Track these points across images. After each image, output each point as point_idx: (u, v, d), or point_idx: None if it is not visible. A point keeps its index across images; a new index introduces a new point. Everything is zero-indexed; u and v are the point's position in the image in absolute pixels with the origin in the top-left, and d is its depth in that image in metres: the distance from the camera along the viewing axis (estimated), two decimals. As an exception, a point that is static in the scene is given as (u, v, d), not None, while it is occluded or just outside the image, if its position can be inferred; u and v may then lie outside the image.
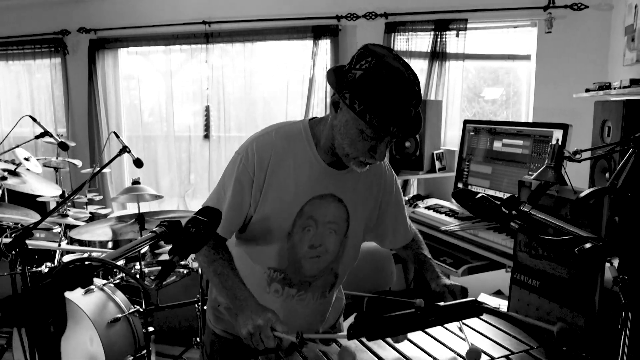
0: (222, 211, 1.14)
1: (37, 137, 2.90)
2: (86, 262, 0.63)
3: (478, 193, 1.23)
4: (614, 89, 2.59)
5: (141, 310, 2.69)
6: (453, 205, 3.10)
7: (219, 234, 1.37)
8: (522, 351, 1.39)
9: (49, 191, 2.97)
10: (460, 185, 3.12)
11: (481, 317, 1.45)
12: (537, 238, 1.55)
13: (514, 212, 1.10)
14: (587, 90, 2.90)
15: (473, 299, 0.68)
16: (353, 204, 1.44)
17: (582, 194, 1.47)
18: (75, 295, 2.54)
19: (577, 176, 1.69)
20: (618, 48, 3.32)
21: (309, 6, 4.01)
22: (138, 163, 2.73)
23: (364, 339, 1.24)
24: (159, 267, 3.03)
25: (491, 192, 2.72)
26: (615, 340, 1.64)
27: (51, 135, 2.88)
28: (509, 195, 2.68)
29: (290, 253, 1.41)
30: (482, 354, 1.32)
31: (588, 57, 3.57)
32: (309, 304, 1.48)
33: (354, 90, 1.16)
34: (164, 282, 2.86)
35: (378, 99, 1.15)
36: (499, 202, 1.19)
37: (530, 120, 3.75)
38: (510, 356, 1.36)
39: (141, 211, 2.71)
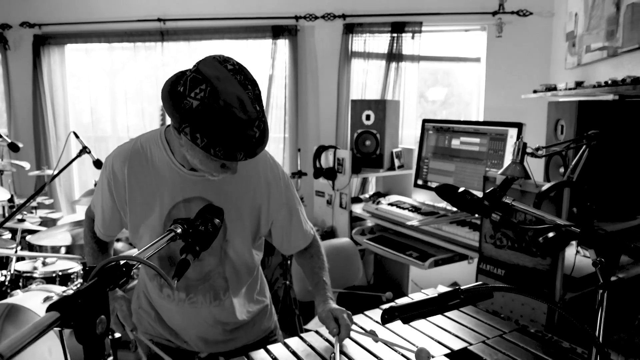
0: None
1: (-16, 137, 2.72)
2: (121, 262, 0.63)
3: (459, 188, 1.31)
4: (560, 90, 2.79)
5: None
6: (414, 201, 3.22)
7: (100, 238, 1.52)
8: (496, 336, 1.49)
9: (-4, 195, 2.81)
10: (420, 181, 3.25)
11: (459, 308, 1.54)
12: (519, 228, 1.66)
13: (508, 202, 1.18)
14: (535, 92, 3.10)
15: (481, 282, 0.75)
16: (226, 204, 1.33)
17: (544, 188, 1.60)
18: (33, 303, 2.41)
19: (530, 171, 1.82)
20: (560, 52, 3.58)
21: (267, 6, 4.01)
22: (98, 164, 2.63)
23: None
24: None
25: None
26: (579, 320, 1.78)
27: (0, 136, 2.72)
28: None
29: (167, 257, 1.41)
30: (465, 342, 1.41)
31: (532, 61, 3.81)
32: (202, 307, 1.46)
33: (193, 123, 1.11)
34: (129, 287, 2.79)
35: (220, 132, 1.11)
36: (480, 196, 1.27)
37: (481, 120, 3.96)
38: (486, 341, 1.46)
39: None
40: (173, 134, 1.26)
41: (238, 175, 1.32)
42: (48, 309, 0.51)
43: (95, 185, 2.76)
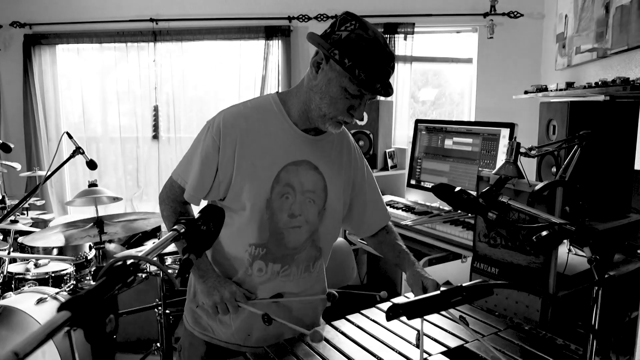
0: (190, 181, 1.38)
1: (-25, 138, 2.69)
2: (128, 261, 0.63)
3: (455, 187, 1.33)
4: (551, 91, 2.82)
5: (98, 317, 2.58)
6: (407, 201, 3.24)
7: (185, 200, 1.45)
8: (492, 334, 1.51)
9: (-12, 196, 2.78)
10: (413, 181, 3.27)
11: (455, 307, 1.55)
12: (515, 227, 1.68)
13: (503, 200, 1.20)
14: (526, 92, 3.14)
15: (482, 279, 0.76)
16: (329, 172, 1.46)
17: (537, 187, 1.62)
18: (26, 305, 2.39)
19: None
20: (550, 53, 3.62)
21: (260, 6, 4.02)
22: (92, 165, 2.62)
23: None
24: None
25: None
26: (571, 317, 1.80)
27: (-9, 137, 2.69)
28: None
29: (270, 223, 1.40)
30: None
31: (523, 62, 3.86)
32: (294, 279, 1.47)
33: (342, 47, 1.25)
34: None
35: (365, 55, 1.25)
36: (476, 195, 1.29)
37: (473, 120, 3.99)
38: (482, 339, 1.48)
39: (78, 216, 2.59)
40: (291, 92, 1.40)
41: (338, 144, 1.47)
42: (59, 309, 0.52)
43: (89, 185, 2.74)
